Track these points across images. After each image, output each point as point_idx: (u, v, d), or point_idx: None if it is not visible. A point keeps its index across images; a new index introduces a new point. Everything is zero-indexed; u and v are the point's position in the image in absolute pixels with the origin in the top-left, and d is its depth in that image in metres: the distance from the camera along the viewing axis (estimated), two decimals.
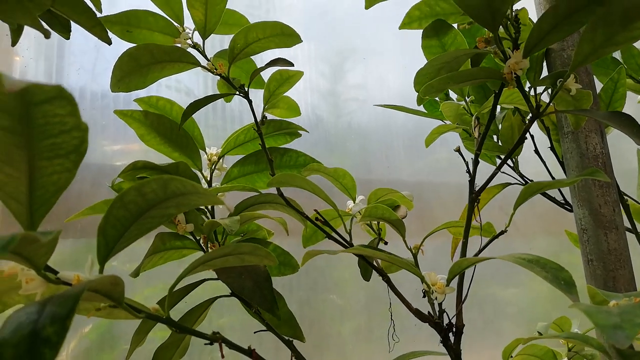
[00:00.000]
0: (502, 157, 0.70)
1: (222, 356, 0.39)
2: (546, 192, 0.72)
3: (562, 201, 0.70)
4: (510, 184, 0.71)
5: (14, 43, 0.48)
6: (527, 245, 1.14)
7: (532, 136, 0.70)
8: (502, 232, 0.48)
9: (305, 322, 0.97)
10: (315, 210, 0.57)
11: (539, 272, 0.39)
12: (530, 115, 0.45)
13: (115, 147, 0.85)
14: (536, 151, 0.70)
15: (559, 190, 0.72)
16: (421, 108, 0.74)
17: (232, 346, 0.40)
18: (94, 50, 0.89)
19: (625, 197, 0.73)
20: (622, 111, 0.44)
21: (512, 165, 0.70)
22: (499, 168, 0.49)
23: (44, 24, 0.43)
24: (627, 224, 0.68)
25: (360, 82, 1.13)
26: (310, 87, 1.09)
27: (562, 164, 0.69)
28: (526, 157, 0.74)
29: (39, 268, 0.33)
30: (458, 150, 0.52)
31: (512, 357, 0.70)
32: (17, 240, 0.22)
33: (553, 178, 0.71)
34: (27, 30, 0.72)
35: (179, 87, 0.95)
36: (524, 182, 0.71)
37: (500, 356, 0.71)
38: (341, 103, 1.10)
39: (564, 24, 0.42)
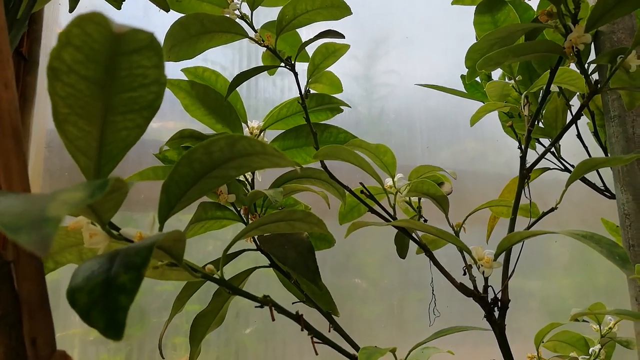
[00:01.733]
0: (541, 142, 0.69)
1: (273, 319, 0.40)
2: (586, 178, 0.71)
3: (602, 188, 0.69)
4: (549, 168, 0.71)
5: (71, 9, 0.48)
6: (561, 226, 1.13)
7: (573, 117, 0.69)
8: (552, 209, 0.48)
9: None
10: (361, 183, 0.57)
11: (594, 247, 0.38)
12: (588, 92, 0.44)
13: (153, 124, 0.86)
14: (578, 136, 0.69)
15: (600, 176, 0.71)
16: (461, 88, 0.74)
17: (281, 310, 0.41)
18: (142, 19, 0.90)
19: None
20: None
21: (552, 149, 0.69)
22: (548, 149, 0.49)
23: None
24: None
25: (394, 66, 1.12)
26: (342, 72, 1.08)
27: (604, 149, 0.68)
28: (564, 142, 0.73)
29: (104, 223, 0.34)
30: (511, 125, 0.52)
31: (543, 342, 0.70)
32: (112, 183, 0.22)
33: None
34: (65, 3, 0.73)
35: (214, 61, 0.96)
36: (563, 167, 0.70)
37: (520, 349, 0.71)
38: (373, 87, 1.10)
39: None
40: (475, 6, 0.56)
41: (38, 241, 0.17)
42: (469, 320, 0.62)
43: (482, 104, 0.73)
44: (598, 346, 0.68)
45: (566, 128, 0.48)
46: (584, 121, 0.71)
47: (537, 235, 0.41)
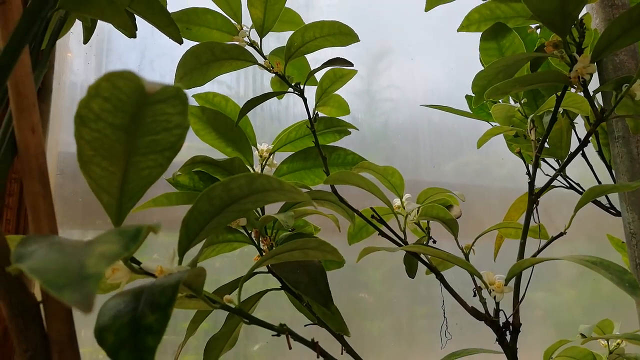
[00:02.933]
0: (546, 160, 0.70)
1: (290, 347, 0.40)
2: (580, 185, 0.71)
3: (607, 205, 0.70)
4: (554, 186, 0.71)
5: (86, 40, 0.50)
6: (568, 250, 1.13)
7: (579, 139, 0.70)
8: (561, 234, 0.49)
9: None
10: (372, 208, 0.58)
11: (604, 274, 0.39)
12: (595, 119, 0.45)
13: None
14: (583, 155, 0.70)
15: (606, 196, 0.71)
16: (465, 108, 0.75)
17: (297, 338, 0.42)
18: (138, 49, 0.91)
19: None
20: None
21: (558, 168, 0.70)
22: (558, 172, 0.50)
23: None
24: None
25: (395, 82, 1.13)
26: (346, 87, 1.10)
27: (609, 168, 0.69)
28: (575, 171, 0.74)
29: (127, 259, 0.35)
30: (519, 152, 0.53)
31: (552, 358, 0.70)
32: (144, 233, 0.23)
33: (599, 182, 0.71)
34: (75, 29, 0.74)
35: (220, 81, 0.97)
36: (568, 185, 0.71)
37: (527, 359, 0.71)
38: (375, 103, 1.11)
39: (635, 29, 0.42)
40: (480, 33, 0.57)
41: (82, 300, 0.18)
42: (479, 339, 0.63)
43: (486, 123, 0.74)
44: None
45: (573, 155, 0.49)
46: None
47: (547, 260, 0.42)
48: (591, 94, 0.45)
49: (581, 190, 0.70)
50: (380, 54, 1.12)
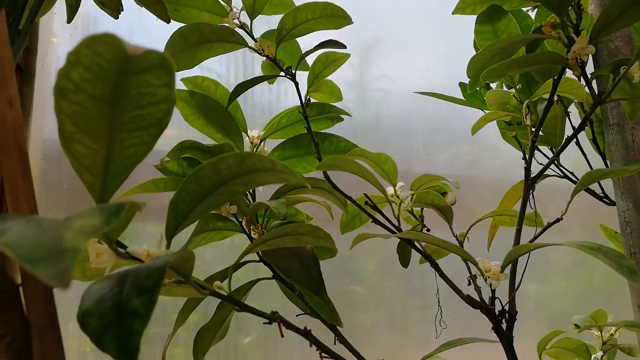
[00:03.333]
0: (539, 149, 0.69)
1: (282, 335, 0.39)
2: (574, 175, 0.71)
3: (601, 194, 0.69)
4: (548, 175, 0.71)
5: (69, 19, 0.48)
6: (562, 239, 1.13)
7: (573, 127, 0.69)
8: (557, 220, 0.48)
9: None
10: (366, 194, 0.57)
11: (602, 259, 0.38)
12: (591, 103, 0.44)
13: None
14: (577, 144, 0.69)
15: (599, 183, 0.71)
16: (457, 92, 0.74)
17: (289, 326, 0.40)
18: (125, 35, 0.89)
19: None
20: None
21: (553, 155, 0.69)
22: (554, 157, 0.49)
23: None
24: None
25: (388, 72, 1.12)
26: (337, 77, 1.08)
27: (603, 156, 0.69)
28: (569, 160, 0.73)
29: (111, 242, 0.33)
30: (515, 136, 0.52)
31: (545, 349, 0.70)
32: (127, 209, 0.22)
33: (592, 168, 0.70)
34: (61, 12, 0.72)
35: (209, 68, 0.95)
36: (562, 174, 0.71)
37: (518, 351, 0.71)
38: (367, 93, 1.10)
39: (632, 10, 0.41)
40: (475, 15, 0.56)
41: (58, 274, 0.16)
42: (474, 328, 0.62)
43: (480, 112, 0.73)
44: (600, 353, 0.68)
45: (569, 140, 0.48)
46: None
47: (544, 246, 0.41)
48: (589, 76, 0.44)
49: (575, 179, 0.70)
50: (372, 43, 1.11)
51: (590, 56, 0.65)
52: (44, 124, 0.69)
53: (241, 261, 0.59)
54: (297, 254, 0.51)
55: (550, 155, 0.71)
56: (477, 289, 0.50)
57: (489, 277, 0.44)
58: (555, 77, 0.47)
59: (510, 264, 0.45)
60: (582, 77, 0.44)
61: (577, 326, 0.66)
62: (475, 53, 0.65)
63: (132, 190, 0.53)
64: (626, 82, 0.46)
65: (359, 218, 0.66)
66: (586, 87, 0.44)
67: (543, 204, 1.08)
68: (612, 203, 0.66)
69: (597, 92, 0.45)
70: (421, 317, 1.01)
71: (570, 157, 0.76)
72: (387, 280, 1.02)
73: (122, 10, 0.54)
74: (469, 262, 0.51)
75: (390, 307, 1.01)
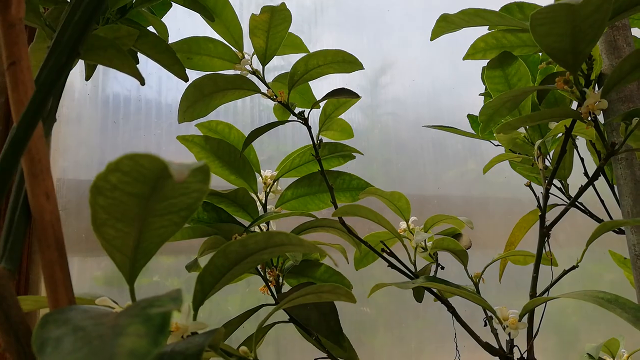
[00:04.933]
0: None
1: None
2: (594, 214, 0.72)
3: None
4: (557, 205, 0.72)
5: (87, 77, 0.49)
6: (569, 262, 1.14)
7: (582, 159, 0.70)
8: (573, 267, 0.49)
9: None
10: (382, 241, 0.57)
11: (620, 314, 0.39)
12: (605, 153, 0.45)
13: None
14: (586, 174, 0.70)
15: (607, 212, 0.72)
16: (469, 129, 0.75)
17: None
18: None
19: None
20: None
21: (561, 187, 0.70)
22: (569, 206, 0.50)
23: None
24: None
25: (397, 96, 1.13)
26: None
27: (611, 187, 0.69)
28: (572, 178, 0.74)
29: None
30: (529, 185, 0.53)
31: None
32: (170, 317, 0.22)
33: (602, 201, 0.71)
34: None
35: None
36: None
37: None
38: (377, 117, 1.10)
39: None
40: (486, 60, 0.57)
41: None
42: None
43: (490, 142, 0.74)
44: None
45: (584, 189, 0.49)
46: (589, 157, 0.72)
47: (560, 297, 0.42)
48: (601, 128, 0.45)
49: (583, 208, 0.70)
50: (382, 68, 1.12)
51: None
52: (55, 168, 0.70)
53: (258, 305, 0.60)
54: (315, 303, 0.51)
55: (559, 184, 0.72)
56: (494, 332, 0.51)
57: (507, 326, 0.44)
58: (568, 124, 0.48)
59: (528, 313, 0.46)
60: (597, 130, 0.44)
61: (591, 357, 0.66)
62: (483, 89, 0.66)
63: None
64: (638, 129, 0.47)
65: (372, 254, 0.67)
66: (601, 139, 0.45)
67: (553, 232, 1.09)
68: (621, 232, 0.67)
69: (611, 142, 0.45)
70: (434, 338, 1.01)
71: (579, 182, 0.77)
72: (397, 301, 1.03)
73: (139, 63, 0.55)
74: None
75: (400, 328, 1.01)
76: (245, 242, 0.33)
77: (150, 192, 0.27)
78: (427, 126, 0.73)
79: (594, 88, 0.43)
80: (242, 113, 1.02)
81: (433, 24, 0.51)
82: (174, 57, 0.48)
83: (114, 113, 0.85)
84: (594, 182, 0.73)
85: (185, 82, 0.50)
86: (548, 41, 0.39)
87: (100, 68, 0.89)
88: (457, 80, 1.11)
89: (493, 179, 1.15)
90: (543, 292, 0.49)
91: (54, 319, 0.25)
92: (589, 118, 0.43)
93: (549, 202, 0.72)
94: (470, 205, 1.10)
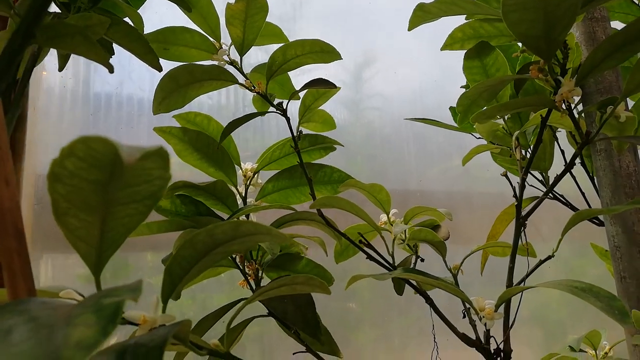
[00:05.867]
0: (531, 172, 0.70)
1: None
2: (573, 205, 0.72)
3: None
4: (537, 197, 0.72)
5: (60, 68, 0.48)
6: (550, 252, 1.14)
7: (562, 151, 0.70)
8: (549, 257, 0.49)
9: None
10: (360, 233, 0.57)
11: (593, 302, 0.39)
12: (580, 141, 0.45)
13: None
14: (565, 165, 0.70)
15: (587, 203, 0.72)
16: (451, 121, 0.75)
17: None
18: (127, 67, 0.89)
19: None
20: None
21: (542, 179, 0.70)
22: (545, 195, 0.50)
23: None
24: None
25: (380, 90, 1.13)
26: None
27: (592, 179, 0.70)
28: (553, 171, 0.74)
29: None
30: (505, 174, 0.53)
31: None
32: (123, 306, 0.22)
33: (582, 193, 0.71)
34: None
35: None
36: (552, 196, 0.72)
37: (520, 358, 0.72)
38: (360, 111, 1.10)
39: (617, 53, 0.42)
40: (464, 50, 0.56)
41: None
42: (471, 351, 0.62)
43: (472, 135, 0.74)
44: None
45: (560, 177, 0.49)
46: (570, 150, 0.72)
47: (536, 287, 0.42)
48: (576, 115, 0.45)
49: (564, 200, 0.71)
50: (365, 62, 1.12)
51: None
52: (36, 162, 0.69)
53: (235, 300, 0.60)
54: (292, 296, 0.51)
55: (540, 177, 0.72)
56: (472, 323, 0.51)
57: (483, 317, 0.44)
58: (544, 114, 0.48)
59: (504, 303, 0.46)
60: (572, 118, 0.44)
61: (572, 349, 0.66)
62: (464, 83, 0.66)
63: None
64: (614, 119, 0.47)
65: (353, 247, 0.67)
66: (576, 128, 0.45)
67: (535, 224, 1.10)
68: (602, 224, 0.67)
69: (586, 130, 0.45)
70: (419, 331, 1.01)
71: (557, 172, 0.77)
72: (381, 295, 1.03)
73: (114, 54, 0.54)
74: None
75: (386, 323, 1.01)
76: (212, 231, 0.32)
77: (109, 179, 0.26)
78: (409, 119, 0.73)
79: (571, 78, 0.43)
80: (226, 107, 1.01)
81: None
82: (147, 46, 0.47)
83: (94, 107, 0.84)
84: (575, 175, 0.74)
85: (159, 71, 0.50)
86: (521, 28, 0.39)
87: (81, 62, 0.88)
88: (441, 74, 1.11)
89: (476, 174, 1.15)
90: (519, 283, 0.49)
91: (9, 309, 0.24)
92: (564, 106, 0.43)
93: (531, 195, 0.72)
94: (453, 200, 1.10)
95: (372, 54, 1.10)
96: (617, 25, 0.80)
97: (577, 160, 0.72)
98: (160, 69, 0.49)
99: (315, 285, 0.42)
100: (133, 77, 0.92)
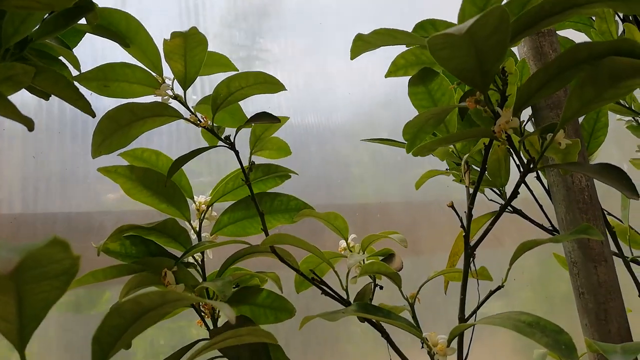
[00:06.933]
0: (489, 188, 0.70)
1: None
2: (533, 220, 0.72)
3: (550, 227, 0.71)
4: (497, 211, 0.72)
5: None
6: (514, 269, 1.15)
7: (518, 166, 0.70)
8: (499, 287, 0.49)
9: (300, 346, 0.97)
10: (312, 270, 0.56)
11: (539, 340, 0.39)
12: (522, 170, 0.45)
13: (112, 195, 0.83)
14: (523, 182, 0.70)
15: (546, 216, 0.72)
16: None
17: None
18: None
19: (610, 218, 0.74)
20: (611, 164, 0.44)
21: (499, 193, 0.70)
22: (497, 217, 0.50)
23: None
24: (613, 248, 0.69)
25: (335, 107, 1.12)
26: (284, 94, 1.07)
27: (548, 192, 0.70)
28: (511, 184, 0.74)
29: None
30: (451, 205, 0.52)
31: None
32: None
33: (540, 205, 0.71)
34: None
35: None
36: (511, 210, 0.72)
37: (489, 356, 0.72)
38: (316, 132, 1.09)
39: (553, 81, 0.42)
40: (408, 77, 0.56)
41: None
42: None
43: None
44: None
45: (510, 200, 0.49)
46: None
47: (486, 323, 0.41)
48: (517, 146, 0.44)
49: (524, 215, 0.71)
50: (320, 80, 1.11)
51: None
52: None
53: (192, 341, 0.58)
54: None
55: (502, 193, 0.72)
56: (430, 354, 0.50)
57: (436, 353, 0.44)
58: (487, 142, 0.47)
59: (457, 336, 0.45)
60: (512, 148, 0.44)
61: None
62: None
63: (71, 285, 0.50)
64: (557, 144, 0.47)
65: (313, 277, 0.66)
66: (517, 157, 0.45)
67: (499, 237, 1.11)
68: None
69: (527, 159, 0.45)
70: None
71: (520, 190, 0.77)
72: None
73: (48, 99, 0.52)
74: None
75: (356, 340, 1.01)
76: (139, 299, 0.31)
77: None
78: (365, 140, 0.72)
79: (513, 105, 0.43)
80: (178, 139, 0.98)
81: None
82: (78, 93, 0.45)
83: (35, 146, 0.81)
84: (533, 190, 0.74)
85: (93, 117, 0.48)
86: (453, 64, 0.39)
87: None
88: (394, 90, 1.11)
89: (436, 186, 1.16)
90: (470, 315, 0.48)
91: None
92: (503, 137, 0.43)
93: (489, 210, 0.72)
94: (413, 211, 1.10)
95: (325, 72, 1.10)
96: (569, 34, 0.81)
97: (533, 175, 0.72)
98: (93, 115, 0.47)
99: (261, 335, 0.41)
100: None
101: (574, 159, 0.48)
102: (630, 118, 0.82)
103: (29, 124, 0.37)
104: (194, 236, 0.63)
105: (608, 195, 0.84)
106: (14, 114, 0.35)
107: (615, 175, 0.43)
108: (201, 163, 0.95)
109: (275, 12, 1.08)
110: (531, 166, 0.44)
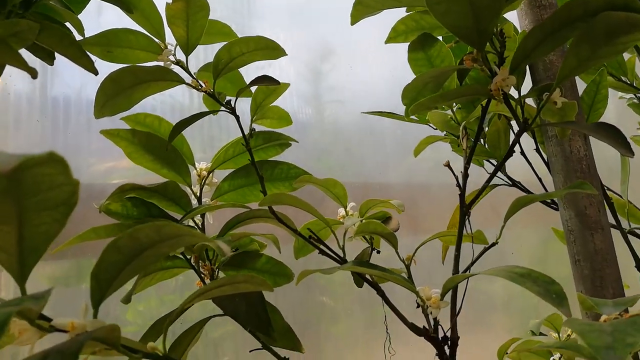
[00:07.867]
0: (490, 160, 0.71)
1: None
2: (530, 191, 0.73)
3: (549, 200, 0.71)
4: (497, 185, 0.72)
5: None
6: (516, 241, 1.16)
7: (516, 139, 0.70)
8: (493, 244, 0.49)
9: (298, 325, 0.98)
10: (309, 229, 0.57)
11: (530, 287, 0.39)
12: (518, 128, 0.45)
13: (105, 164, 0.84)
14: (522, 153, 0.70)
15: (545, 189, 0.73)
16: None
17: None
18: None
19: (609, 192, 0.75)
20: (606, 122, 0.44)
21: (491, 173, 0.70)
22: (489, 181, 0.50)
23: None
24: (611, 220, 0.69)
25: (342, 84, 1.12)
26: (290, 91, 1.07)
27: (547, 164, 0.70)
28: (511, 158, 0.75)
29: (32, 319, 0.33)
30: (447, 165, 0.53)
31: (507, 353, 0.71)
32: (10, 317, 0.22)
33: (539, 178, 0.72)
34: None
35: (163, 96, 0.94)
36: (510, 182, 0.72)
37: (493, 347, 0.73)
38: (320, 106, 1.10)
39: (548, 40, 0.42)
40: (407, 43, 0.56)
41: None
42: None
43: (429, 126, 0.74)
44: (558, 354, 0.70)
45: (502, 162, 0.49)
46: (526, 137, 0.72)
47: (479, 274, 0.42)
48: (514, 104, 0.45)
49: (522, 187, 0.71)
50: (325, 56, 1.11)
51: (528, 67, 0.66)
52: None
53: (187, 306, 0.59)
54: (243, 294, 0.51)
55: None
56: (425, 314, 0.51)
57: (429, 306, 0.44)
58: (484, 104, 0.48)
59: (450, 291, 0.46)
60: (508, 106, 0.44)
61: (533, 333, 0.67)
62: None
63: (72, 241, 0.52)
64: (553, 104, 0.47)
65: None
66: (513, 115, 0.45)
67: (497, 210, 1.11)
68: (557, 208, 0.68)
69: (524, 118, 0.45)
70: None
71: (518, 165, 0.77)
72: (349, 293, 1.03)
73: (54, 58, 0.53)
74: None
75: (359, 316, 1.02)
76: (135, 234, 0.32)
77: (9, 185, 0.26)
78: (365, 112, 0.72)
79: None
80: (189, 110, 0.99)
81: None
82: (81, 50, 0.46)
83: (44, 111, 0.82)
84: (531, 163, 0.75)
85: (95, 75, 0.49)
86: (449, 19, 0.39)
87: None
88: (396, 65, 1.11)
89: (436, 165, 1.17)
90: (465, 270, 0.49)
91: None
92: (500, 95, 0.43)
93: (490, 183, 0.72)
94: (413, 192, 1.11)
95: (327, 48, 1.10)
96: None
97: (533, 147, 0.73)
98: (96, 72, 0.48)
99: (257, 283, 0.41)
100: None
101: (571, 119, 0.48)
102: (632, 95, 0.82)
103: (33, 73, 0.38)
104: (194, 201, 0.64)
105: (608, 175, 0.84)
106: (20, 63, 0.36)
107: (611, 133, 0.43)
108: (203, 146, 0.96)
109: None
110: (527, 124, 0.45)
